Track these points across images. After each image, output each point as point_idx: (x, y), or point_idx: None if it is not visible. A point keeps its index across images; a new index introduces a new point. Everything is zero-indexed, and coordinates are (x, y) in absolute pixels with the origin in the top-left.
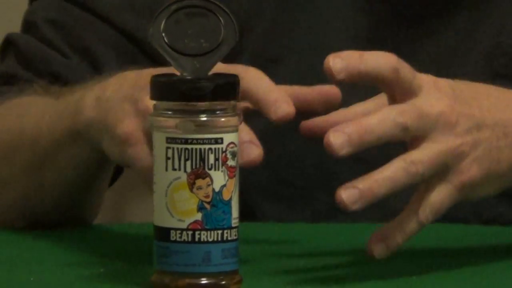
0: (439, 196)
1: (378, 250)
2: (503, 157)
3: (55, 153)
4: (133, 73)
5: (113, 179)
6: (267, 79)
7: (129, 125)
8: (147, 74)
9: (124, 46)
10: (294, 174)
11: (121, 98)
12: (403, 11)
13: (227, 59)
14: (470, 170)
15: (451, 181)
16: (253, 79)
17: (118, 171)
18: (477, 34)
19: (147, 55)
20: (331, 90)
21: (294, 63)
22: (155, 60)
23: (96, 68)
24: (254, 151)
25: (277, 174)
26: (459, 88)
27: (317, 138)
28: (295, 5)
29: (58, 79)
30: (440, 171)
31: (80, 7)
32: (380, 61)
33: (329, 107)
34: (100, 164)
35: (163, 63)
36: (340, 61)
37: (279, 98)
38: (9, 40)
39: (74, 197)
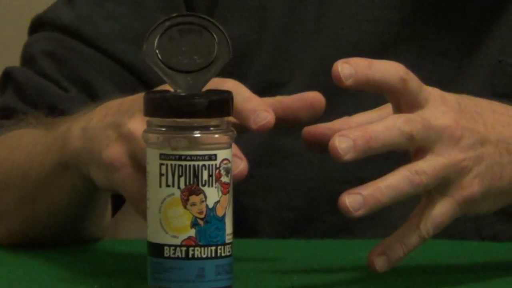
0: (441, 210)
1: (380, 264)
2: (505, 173)
3: (46, 185)
4: (117, 100)
5: (119, 206)
6: (245, 89)
7: (114, 151)
8: (130, 99)
9: (123, 76)
10: (296, 197)
11: (105, 125)
12: (407, 32)
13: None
14: (472, 186)
15: (453, 196)
16: (231, 89)
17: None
18: (479, 52)
19: (146, 85)
20: (315, 97)
21: (304, 84)
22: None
23: (95, 100)
24: (239, 164)
25: (279, 197)
26: (464, 103)
27: (318, 145)
28: (300, 27)
29: (55, 112)
30: (442, 185)
31: (77, 39)
32: (388, 70)
33: (313, 115)
34: (92, 194)
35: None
36: (349, 67)
37: (257, 107)
38: (8, 73)
39: (71, 226)
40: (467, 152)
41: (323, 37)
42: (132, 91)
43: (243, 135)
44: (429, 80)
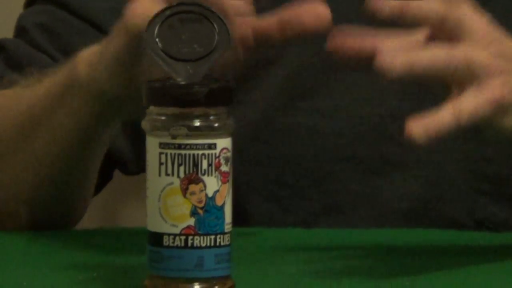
0: (473, 101)
1: (417, 130)
2: None
3: (52, 111)
4: None
5: (101, 186)
6: None
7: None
8: None
9: None
10: (287, 174)
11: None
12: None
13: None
14: (502, 90)
15: (484, 93)
16: None
17: (105, 178)
18: None
19: None
20: (319, 8)
21: (289, 62)
22: None
23: None
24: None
25: (270, 173)
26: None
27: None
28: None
29: None
30: (473, 79)
31: (70, 12)
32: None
33: (319, 21)
34: (98, 123)
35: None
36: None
37: None
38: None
39: (67, 172)
40: (498, 61)
41: None
42: None
43: (237, 112)
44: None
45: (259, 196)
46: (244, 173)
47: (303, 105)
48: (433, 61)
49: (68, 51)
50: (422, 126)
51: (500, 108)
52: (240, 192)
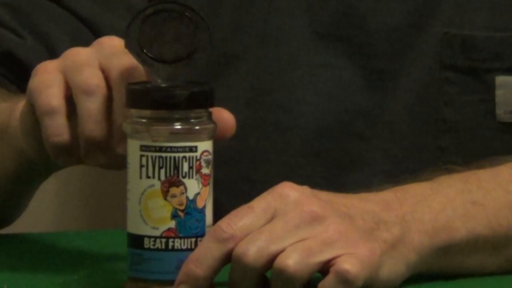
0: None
1: None
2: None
3: None
4: None
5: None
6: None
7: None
8: None
9: (79, 31)
10: (253, 170)
11: None
12: (357, 5)
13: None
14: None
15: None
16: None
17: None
18: (427, 25)
19: None
20: (225, 116)
21: (255, 57)
22: None
23: (51, 51)
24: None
25: (237, 169)
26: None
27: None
28: (251, 2)
29: (11, 58)
30: None
31: None
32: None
33: (221, 134)
34: (22, 177)
35: None
36: None
37: None
38: None
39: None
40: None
41: (273, 11)
42: (87, 45)
43: None
44: (382, 61)
45: (227, 193)
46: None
47: (268, 101)
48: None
49: (34, 30)
50: None
51: (372, 270)
52: None
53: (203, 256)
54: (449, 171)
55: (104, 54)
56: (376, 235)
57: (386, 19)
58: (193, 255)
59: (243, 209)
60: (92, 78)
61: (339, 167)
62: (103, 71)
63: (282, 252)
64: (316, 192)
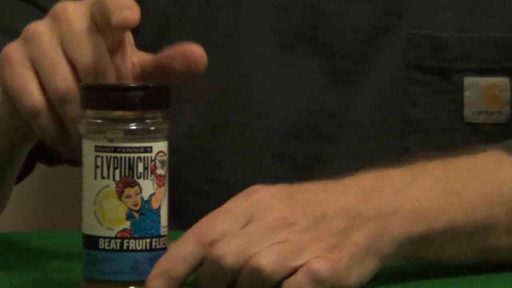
0: None
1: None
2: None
3: None
4: None
5: (21, 177)
6: None
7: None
8: None
9: None
10: (219, 171)
11: None
12: (323, 6)
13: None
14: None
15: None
16: None
17: (28, 169)
18: (392, 26)
19: None
20: (193, 49)
21: (220, 58)
22: None
23: None
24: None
25: (202, 171)
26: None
27: None
28: (218, 2)
29: None
30: None
31: None
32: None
33: (189, 67)
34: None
35: None
36: None
37: (123, 3)
38: None
39: None
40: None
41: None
42: None
43: (175, 109)
44: (346, 57)
45: (192, 193)
46: (176, 171)
47: (233, 101)
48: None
49: (6, 28)
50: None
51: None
52: (172, 190)
53: (184, 256)
54: (428, 157)
55: (66, 39)
56: (349, 238)
57: (352, 20)
58: (172, 254)
59: (221, 213)
60: (67, 83)
61: (305, 168)
62: (70, 62)
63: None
64: (292, 191)
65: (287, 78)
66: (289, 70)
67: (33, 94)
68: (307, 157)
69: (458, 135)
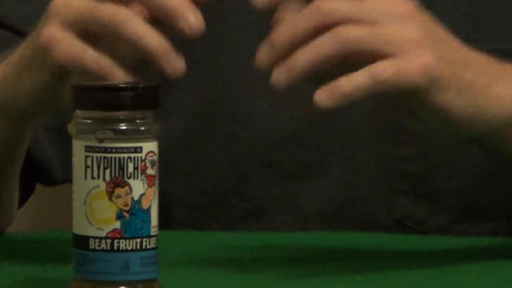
0: (394, 65)
1: (324, 97)
2: (470, 69)
3: None
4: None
5: (24, 199)
6: None
7: (49, 30)
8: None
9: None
10: (206, 182)
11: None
12: None
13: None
14: (430, 58)
15: (408, 60)
16: None
17: (28, 191)
18: None
19: None
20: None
21: (204, 68)
22: None
23: None
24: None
25: (189, 182)
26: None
27: None
28: (201, 11)
29: None
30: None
31: None
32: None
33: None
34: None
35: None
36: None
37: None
38: None
39: None
40: (427, 35)
41: (224, 18)
42: None
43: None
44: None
45: (180, 205)
46: (164, 183)
47: (218, 112)
48: (359, 40)
49: None
50: (329, 89)
51: (431, 80)
52: (161, 203)
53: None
54: None
55: None
56: (457, 68)
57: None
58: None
59: None
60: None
61: (295, 176)
62: None
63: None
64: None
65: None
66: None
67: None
68: (297, 166)
69: (455, 145)
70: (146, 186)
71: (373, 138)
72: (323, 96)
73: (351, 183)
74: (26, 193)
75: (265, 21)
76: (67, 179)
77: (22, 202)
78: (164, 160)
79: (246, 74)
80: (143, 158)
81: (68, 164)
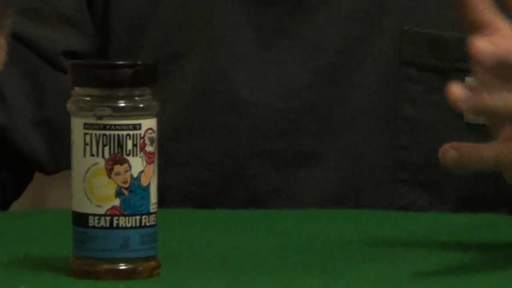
0: None
1: (451, 155)
2: None
3: None
4: None
5: (22, 188)
6: None
7: None
8: None
9: (18, 50)
10: (204, 172)
11: None
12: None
13: (126, 56)
14: None
15: None
16: None
17: (26, 180)
18: (382, 20)
19: (40, 56)
20: None
21: (198, 57)
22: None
23: None
24: None
25: (187, 173)
26: None
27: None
28: (192, 1)
29: None
30: None
31: None
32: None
33: None
34: None
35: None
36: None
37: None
38: None
39: None
40: None
41: (218, 6)
42: (26, 63)
43: None
44: (330, 50)
45: (176, 195)
46: (160, 172)
47: (213, 102)
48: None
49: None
50: (458, 153)
51: None
52: (158, 193)
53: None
54: None
55: None
56: None
57: (335, 13)
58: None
59: None
60: None
61: (292, 165)
62: None
63: None
64: None
65: (268, 75)
66: (270, 66)
67: None
68: (293, 154)
69: (457, 135)
70: (145, 163)
71: (373, 127)
72: (448, 153)
73: (350, 171)
74: (24, 181)
75: (260, 4)
76: (61, 170)
77: (20, 190)
78: (159, 149)
79: (240, 62)
80: (142, 135)
81: (60, 156)
